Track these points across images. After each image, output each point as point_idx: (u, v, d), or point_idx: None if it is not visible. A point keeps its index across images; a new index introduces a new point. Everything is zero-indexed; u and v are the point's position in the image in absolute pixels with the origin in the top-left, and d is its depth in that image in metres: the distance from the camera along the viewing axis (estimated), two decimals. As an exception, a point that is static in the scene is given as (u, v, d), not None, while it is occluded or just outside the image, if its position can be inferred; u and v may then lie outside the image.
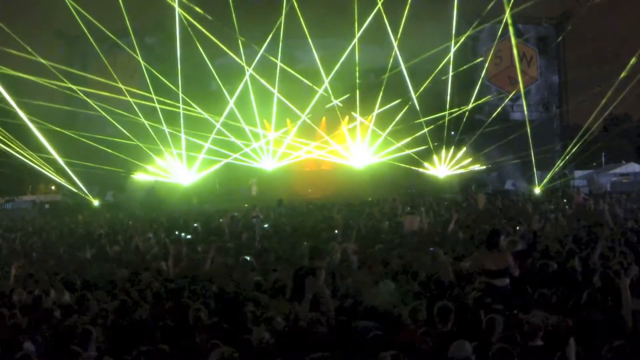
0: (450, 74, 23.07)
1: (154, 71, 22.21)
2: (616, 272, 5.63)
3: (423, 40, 21.92)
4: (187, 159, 23.20)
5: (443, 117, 23.29)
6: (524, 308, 5.38)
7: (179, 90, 21.48)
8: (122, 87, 21.56)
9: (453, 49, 22.42)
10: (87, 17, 20.61)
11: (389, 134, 23.65)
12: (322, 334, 4.71)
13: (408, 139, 23.57)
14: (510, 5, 20.24)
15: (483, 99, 25.24)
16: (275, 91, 22.74)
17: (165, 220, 15.86)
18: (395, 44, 21.63)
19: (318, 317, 4.88)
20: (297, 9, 20.30)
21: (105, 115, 21.69)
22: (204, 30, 20.73)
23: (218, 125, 22.43)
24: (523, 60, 26.03)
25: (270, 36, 21.66)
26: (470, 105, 24.05)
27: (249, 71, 22.00)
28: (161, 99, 21.89)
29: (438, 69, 22.48)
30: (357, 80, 22.91)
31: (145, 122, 21.65)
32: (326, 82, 22.38)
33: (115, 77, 21.78)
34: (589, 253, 7.33)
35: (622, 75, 17.97)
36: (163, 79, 22.10)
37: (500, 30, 24.20)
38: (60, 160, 20.36)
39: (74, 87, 21.16)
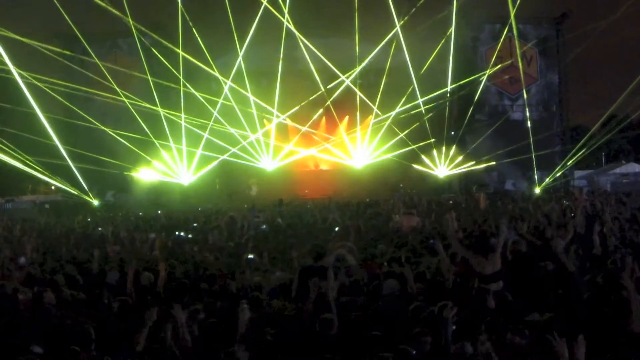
0: (450, 74, 23.17)
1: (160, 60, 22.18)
2: (616, 270, 5.60)
3: (424, 40, 22.04)
4: (186, 156, 23.28)
5: (444, 103, 23.36)
6: (523, 310, 5.35)
7: (179, 74, 21.54)
8: (120, 92, 21.62)
9: (452, 50, 22.56)
10: (87, 18, 20.71)
11: (389, 129, 23.77)
12: (332, 336, 4.70)
13: (408, 130, 23.64)
14: (515, 8, 20.28)
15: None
16: (276, 100, 22.85)
17: (165, 220, 15.86)
18: (403, 45, 21.77)
19: (331, 318, 4.86)
20: (276, 8, 20.49)
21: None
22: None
23: (215, 114, 22.47)
24: (523, 60, 26.04)
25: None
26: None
27: (228, 83, 22.09)
28: (161, 80, 21.98)
29: (435, 52, 22.52)
30: (358, 80, 22.99)
31: (137, 116, 21.71)
32: (347, 81, 22.45)
33: (110, 79, 21.82)
34: (589, 253, 7.32)
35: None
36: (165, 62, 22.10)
37: (506, 30, 24.19)
38: (65, 154, 20.49)
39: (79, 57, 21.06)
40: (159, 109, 21.73)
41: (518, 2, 19.97)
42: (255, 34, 22.08)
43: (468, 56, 25.81)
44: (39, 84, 18.87)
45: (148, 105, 21.78)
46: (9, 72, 17.36)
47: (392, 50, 22.47)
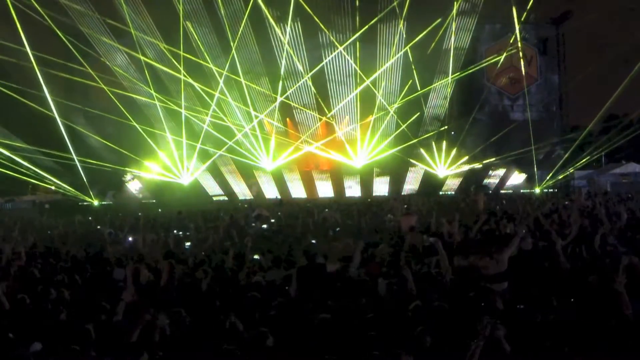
0: (450, 72, 23.24)
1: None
2: (610, 272, 5.59)
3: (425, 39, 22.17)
4: (186, 152, 23.42)
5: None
6: (523, 309, 5.35)
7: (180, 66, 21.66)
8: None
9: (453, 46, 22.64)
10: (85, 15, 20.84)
11: (389, 128, 23.91)
12: (331, 334, 4.71)
13: (410, 121, 23.68)
14: (526, 12, 20.34)
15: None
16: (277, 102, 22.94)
17: (164, 220, 15.87)
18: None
19: (327, 317, 4.88)
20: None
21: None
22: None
23: (213, 106, 22.58)
24: (523, 60, 26.04)
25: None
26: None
27: (221, 81, 22.20)
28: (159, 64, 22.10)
29: (432, 43, 22.62)
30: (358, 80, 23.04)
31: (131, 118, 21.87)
32: (368, 81, 22.52)
33: (99, 78, 21.88)
34: (587, 253, 7.31)
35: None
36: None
37: (519, 33, 24.19)
38: (76, 158, 20.69)
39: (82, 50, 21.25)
40: (154, 94, 21.89)
41: (531, 3, 20.04)
42: (257, 36, 22.24)
43: (468, 55, 25.83)
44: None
45: (146, 89, 21.98)
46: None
47: (393, 49, 22.58)
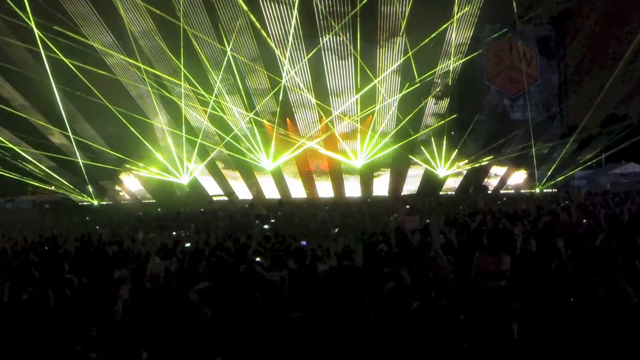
0: (452, 69, 23.26)
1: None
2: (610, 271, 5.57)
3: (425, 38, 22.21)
4: (186, 150, 23.47)
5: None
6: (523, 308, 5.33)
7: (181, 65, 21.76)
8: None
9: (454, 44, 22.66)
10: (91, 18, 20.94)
11: (389, 126, 23.96)
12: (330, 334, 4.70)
13: (411, 115, 23.73)
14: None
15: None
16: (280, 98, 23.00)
17: (165, 220, 15.86)
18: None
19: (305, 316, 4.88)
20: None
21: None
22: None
23: (212, 104, 22.65)
24: (523, 60, 26.06)
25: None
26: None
27: (218, 79, 22.24)
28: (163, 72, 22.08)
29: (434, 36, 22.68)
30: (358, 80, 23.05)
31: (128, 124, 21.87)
32: (376, 81, 22.59)
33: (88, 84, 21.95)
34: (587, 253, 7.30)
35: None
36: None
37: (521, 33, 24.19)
38: (79, 159, 20.73)
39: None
40: (146, 80, 21.91)
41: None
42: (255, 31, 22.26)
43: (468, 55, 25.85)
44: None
45: (137, 74, 22.04)
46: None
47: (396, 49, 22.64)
